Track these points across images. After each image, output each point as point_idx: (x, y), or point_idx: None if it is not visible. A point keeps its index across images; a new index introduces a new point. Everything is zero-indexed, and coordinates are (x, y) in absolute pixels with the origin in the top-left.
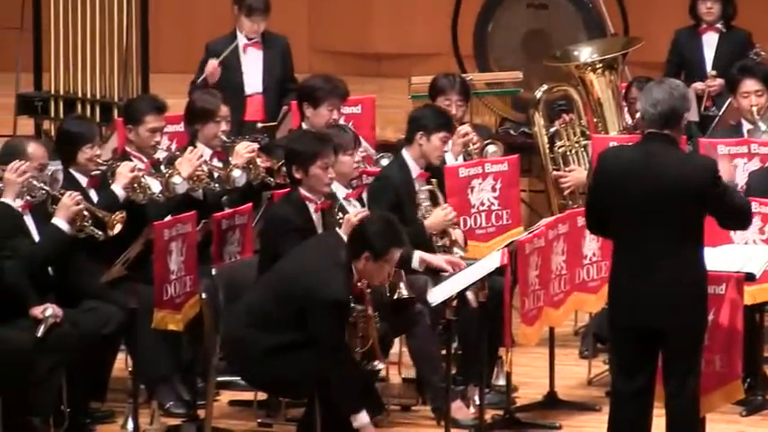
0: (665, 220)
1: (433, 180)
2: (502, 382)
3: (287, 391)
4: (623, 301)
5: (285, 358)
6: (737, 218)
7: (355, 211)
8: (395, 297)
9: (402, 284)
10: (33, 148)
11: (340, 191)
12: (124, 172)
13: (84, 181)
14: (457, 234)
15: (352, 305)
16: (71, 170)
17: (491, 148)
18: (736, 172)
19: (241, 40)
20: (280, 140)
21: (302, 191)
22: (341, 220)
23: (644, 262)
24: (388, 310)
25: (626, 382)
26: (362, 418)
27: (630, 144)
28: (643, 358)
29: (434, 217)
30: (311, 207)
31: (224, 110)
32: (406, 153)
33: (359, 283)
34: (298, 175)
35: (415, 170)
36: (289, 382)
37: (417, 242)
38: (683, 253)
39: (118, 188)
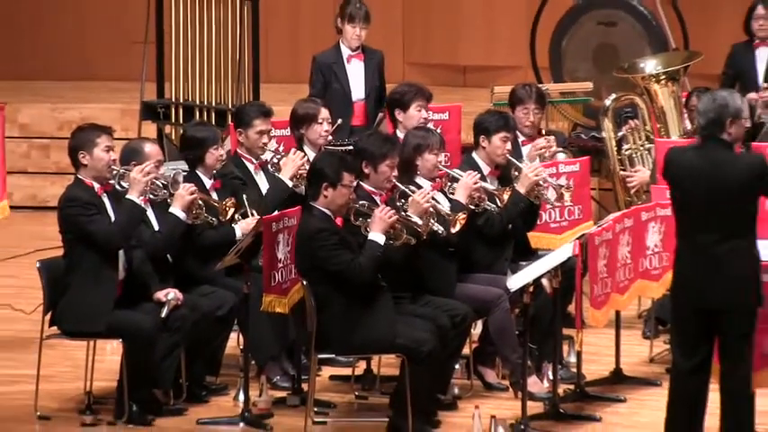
0: (723, 213)
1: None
2: (573, 359)
3: (373, 348)
4: (686, 285)
5: (353, 323)
6: None
7: (419, 191)
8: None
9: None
10: (149, 147)
11: (425, 183)
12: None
13: (208, 183)
14: (550, 190)
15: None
16: (197, 171)
17: (561, 156)
18: None
19: (345, 51)
20: None
21: (365, 185)
22: (405, 205)
23: (705, 250)
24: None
25: (685, 360)
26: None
27: (692, 145)
28: (701, 338)
29: (521, 179)
30: (377, 199)
31: (324, 112)
32: (475, 155)
33: (336, 218)
34: (366, 171)
35: (486, 169)
36: (369, 339)
37: (517, 207)
38: (740, 243)
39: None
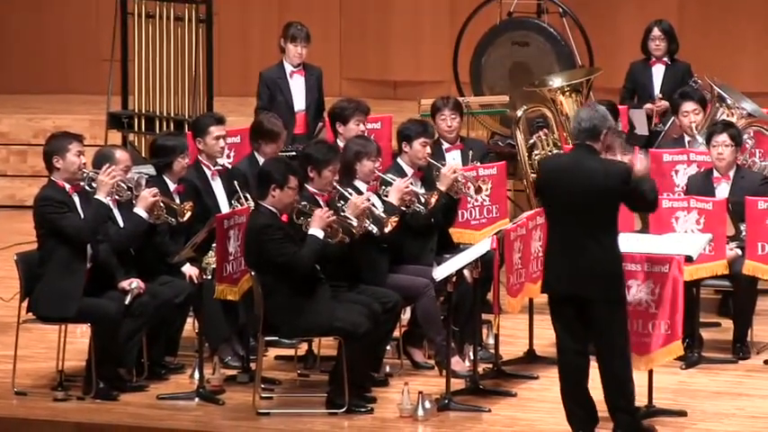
0: (587, 211)
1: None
2: (491, 341)
3: (315, 330)
4: (557, 276)
5: (296, 309)
6: (644, 205)
7: (356, 197)
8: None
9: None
10: (119, 154)
11: (362, 186)
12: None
13: (172, 187)
14: (470, 185)
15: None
16: (164, 176)
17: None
18: (675, 174)
19: (288, 68)
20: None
21: (309, 187)
22: (344, 206)
23: (571, 244)
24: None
25: (571, 343)
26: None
27: (564, 152)
28: (580, 321)
29: (442, 178)
30: (320, 200)
31: (284, 134)
32: (400, 160)
33: (283, 214)
34: (311, 175)
35: (409, 171)
36: (311, 323)
37: (446, 204)
38: (601, 238)
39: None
